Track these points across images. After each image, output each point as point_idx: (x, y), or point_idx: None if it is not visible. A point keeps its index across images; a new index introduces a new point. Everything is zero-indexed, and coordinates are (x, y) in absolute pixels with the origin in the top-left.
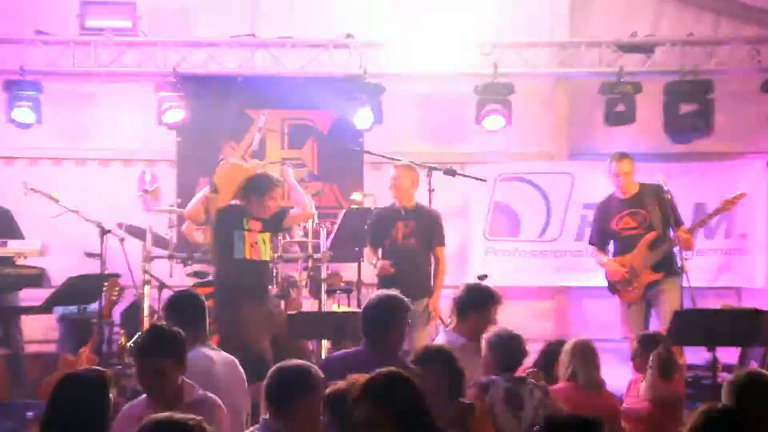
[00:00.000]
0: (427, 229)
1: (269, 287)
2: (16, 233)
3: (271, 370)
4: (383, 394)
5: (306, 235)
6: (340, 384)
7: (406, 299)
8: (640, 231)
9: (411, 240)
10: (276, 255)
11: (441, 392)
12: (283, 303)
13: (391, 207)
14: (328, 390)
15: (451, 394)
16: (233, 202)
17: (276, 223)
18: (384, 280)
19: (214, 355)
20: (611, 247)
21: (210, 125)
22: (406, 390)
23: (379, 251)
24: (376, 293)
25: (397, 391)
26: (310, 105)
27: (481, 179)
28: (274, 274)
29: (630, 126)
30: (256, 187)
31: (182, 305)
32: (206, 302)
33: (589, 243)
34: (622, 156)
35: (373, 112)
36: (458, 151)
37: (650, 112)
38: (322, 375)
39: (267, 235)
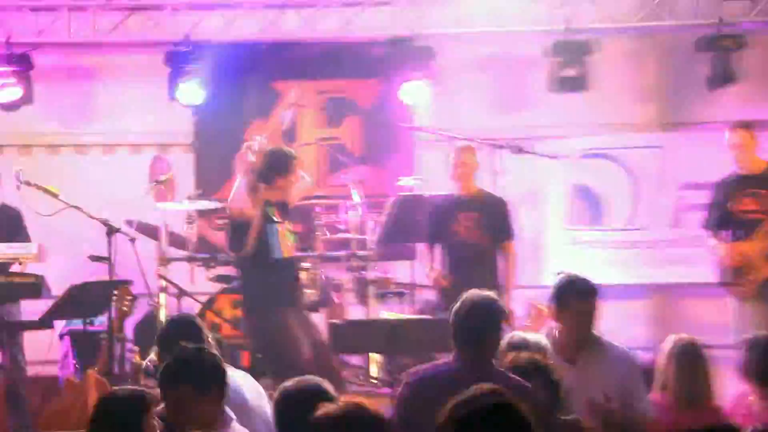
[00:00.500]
0: (493, 220)
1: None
2: (24, 238)
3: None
4: (487, 426)
5: (349, 229)
6: (329, 408)
7: (501, 303)
8: (761, 215)
9: (475, 233)
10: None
11: (542, 408)
12: (323, 310)
13: (451, 195)
14: (317, 414)
15: (553, 409)
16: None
17: (287, 207)
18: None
19: (240, 380)
20: (729, 235)
21: (232, 102)
22: (515, 418)
23: (438, 250)
24: (468, 296)
25: (503, 419)
26: (349, 75)
27: (555, 157)
28: (314, 277)
29: (734, 88)
30: (280, 165)
31: (177, 336)
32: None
33: (703, 227)
34: (736, 125)
35: (425, 81)
36: (528, 124)
37: (760, 70)
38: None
39: (289, 225)
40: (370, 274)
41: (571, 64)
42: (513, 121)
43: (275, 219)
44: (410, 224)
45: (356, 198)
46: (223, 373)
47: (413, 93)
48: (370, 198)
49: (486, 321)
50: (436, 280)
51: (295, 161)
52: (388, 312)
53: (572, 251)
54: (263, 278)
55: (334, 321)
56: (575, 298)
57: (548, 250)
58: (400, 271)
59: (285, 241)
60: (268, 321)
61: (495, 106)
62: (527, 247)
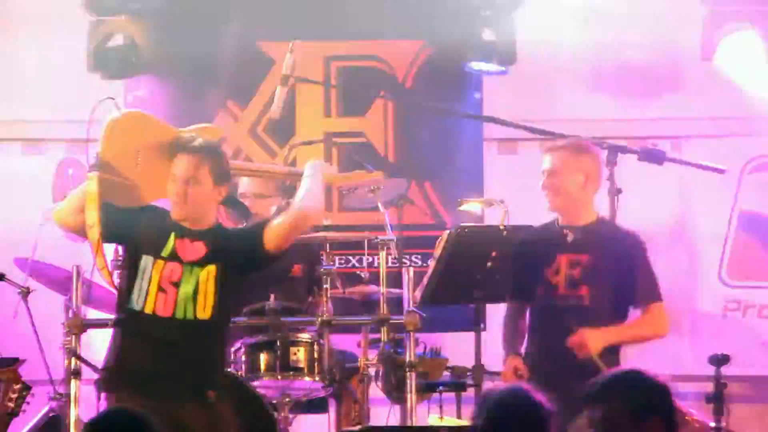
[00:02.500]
0: (614, 268)
1: (207, 371)
2: None
3: None
4: None
5: (373, 280)
6: None
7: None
8: None
9: (581, 290)
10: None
11: None
12: (332, 408)
13: (548, 227)
14: None
15: None
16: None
17: (241, 245)
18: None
19: None
20: None
21: (191, 72)
22: None
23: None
24: (498, 394)
25: None
26: (378, 32)
27: (714, 168)
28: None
29: None
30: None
31: None
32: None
33: None
34: None
35: (502, 45)
36: (665, 114)
37: None
38: None
39: (211, 271)
40: (410, 353)
41: (739, 18)
42: (640, 108)
43: (165, 251)
44: (474, 273)
45: (389, 231)
46: None
47: (484, 62)
48: (410, 230)
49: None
50: (508, 367)
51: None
52: (438, 415)
53: (737, 321)
54: (117, 341)
55: (349, 429)
56: None
57: (696, 320)
58: (456, 347)
59: (170, 289)
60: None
61: (610, 87)
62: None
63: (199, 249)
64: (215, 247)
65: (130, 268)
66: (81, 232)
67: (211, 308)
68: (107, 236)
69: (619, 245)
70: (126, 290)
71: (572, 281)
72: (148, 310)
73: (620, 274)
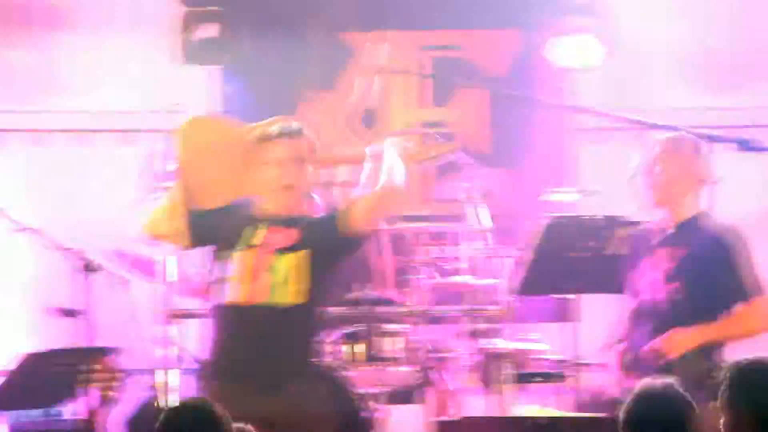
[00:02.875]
0: (711, 264)
1: (299, 359)
2: None
3: None
4: None
5: (469, 270)
6: None
7: (685, 397)
8: None
9: (676, 285)
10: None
11: None
12: (423, 399)
13: (652, 220)
14: None
15: None
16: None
17: (322, 229)
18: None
19: None
20: None
21: (280, 63)
22: None
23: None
24: (642, 388)
25: None
26: (471, 22)
27: None
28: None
29: None
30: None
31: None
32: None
33: None
34: None
35: (600, 34)
36: (761, 102)
37: None
38: None
39: (299, 257)
40: (502, 344)
41: None
42: (738, 96)
43: (248, 240)
44: (569, 264)
45: (481, 221)
46: None
47: (573, 53)
48: (503, 221)
49: (668, 425)
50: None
51: (270, 136)
52: (532, 405)
53: None
54: (213, 335)
55: (441, 419)
56: None
57: None
58: (553, 338)
59: (260, 276)
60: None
61: (708, 74)
62: None
63: (288, 236)
64: (304, 232)
65: (221, 263)
66: (171, 240)
67: (304, 293)
68: (196, 241)
69: (718, 240)
70: (219, 283)
71: (668, 276)
72: (243, 300)
73: (717, 270)
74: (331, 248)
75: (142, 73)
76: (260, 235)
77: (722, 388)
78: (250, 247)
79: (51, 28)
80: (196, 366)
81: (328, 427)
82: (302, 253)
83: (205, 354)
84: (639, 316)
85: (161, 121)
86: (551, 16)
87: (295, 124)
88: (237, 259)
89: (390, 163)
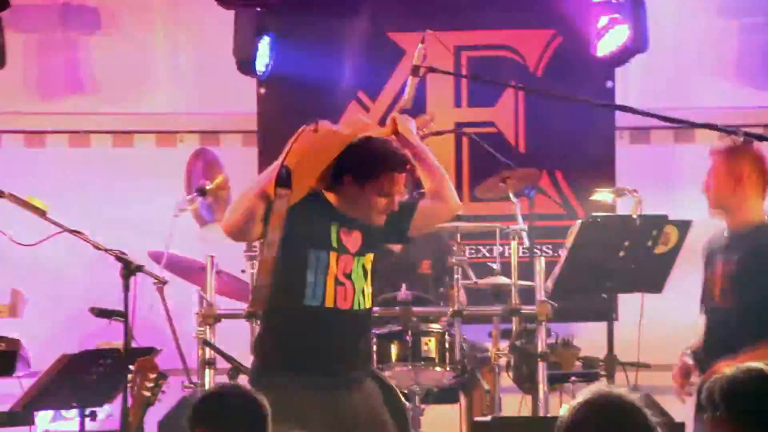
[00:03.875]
0: (760, 279)
1: (366, 359)
2: None
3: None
4: None
5: (504, 270)
6: None
7: (636, 403)
8: None
9: (730, 296)
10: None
11: None
12: (463, 398)
13: (721, 229)
14: None
15: None
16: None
17: (390, 230)
18: None
19: None
20: None
21: (321, 65)
22: None
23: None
24: (591, 397)
25: None
26: (508, 21)
27: None
28: (449, 345)
29: None
30: (362, 160)
31: (221, 414)
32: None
33: None
34: None
35: (634, 29)
36: None
37: None
38: None
39: (368, 259)
40: (541, 343)
41: None
42: None
43: (333, 244)
44: (606, 263)
45: (520, 222)
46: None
47: (612, 49)
48: (541, 219)
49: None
50: (679, 361)
51: (405, 164)
52: (567, 406)
53: None
54: (279, 335)
55: (479, 419)
56: None
57: None
58: (589, 338)
59: (347, 282)
60: (282, 406)
61: (747, 73)
62: None
63: (357, 238)
64: (369, 234)
65: (293, 263)
66: (252, 238)
67: (371, 296)
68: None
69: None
70: (294, 285)
71: (723, 287)
72: (329, 304)
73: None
74: (388, 242)
75: (180, 75)
76: (335, 237)
77: (714, 401)
78: (332, 249)
79: (90, 31)
80: (231, 367)
81: (391, 421)
82: (370, 256)
83: (266, 352)
84: (711, 323)
85: (199, 122)
86: (588, 14)
87: (399, 157)
88: (318, 261)
89: (419, 149)
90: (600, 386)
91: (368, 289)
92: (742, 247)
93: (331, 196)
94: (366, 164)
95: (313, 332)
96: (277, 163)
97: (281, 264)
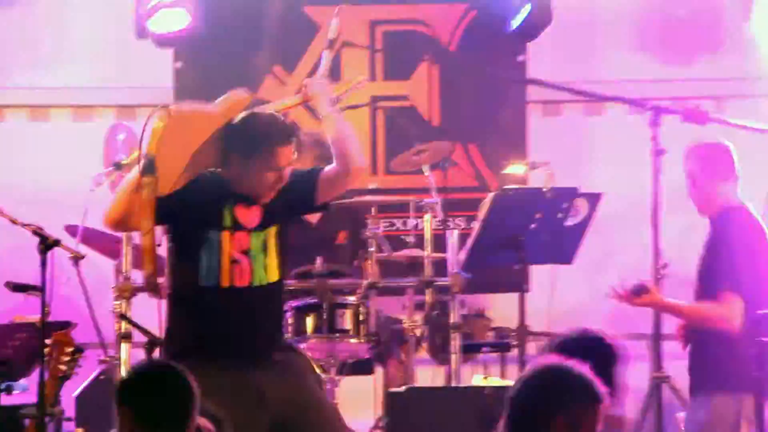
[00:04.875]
0: (704, 256)
1: (276, 333)
2: None
3: None
4: None
5: (418, 243)
6: None
7: (584, 374)
8: None
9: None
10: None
11: None
12: (378, 370)
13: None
14: None
15: None
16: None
17: (294, 202)
18: None
19: None
20: None
21: (237, 39)
22: None
23: None
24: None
25: None
26: None
27: (759, 129)
28: (364, 318)
29: None
30: (244, 137)
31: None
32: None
33: None
34: None
35: (538, 4)
36: (710, 75)
37: None
38: None
39: (271, 233)
40: (454, 315)
41: None
42: (687, 67)
43: (225, 223)
44: (518, 235)
45: (434, 194)
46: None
47: (526, 22)
48: (455, 191)
49: (550, 400)
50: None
51: (292, 137)
52: (482, 375)
53: None
54: (181, 319)
55: (394, 390)
56: None
57: None
58: (501, 309)
59: (244, 259)
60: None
61: (656, 47)
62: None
63: (255, 214)
64: (270, 208)
65: (187, 244)
66: (134, 228)
67: (277, 269)
68: (159, 222)
69: (713, 233)
70: (189, 267)
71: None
72: (225, 284)
73: (707, 255)
74: (294, 218)
75: (96, 49)
76: (230, 215)
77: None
78: (224, 228)
79: (6, 3)
80: (147, 340)
81: (311, 393)
82: (272, 230)
83: (173, 335)
84: None
85: (115, 96)
86: None
87: (291, 127)
88: (212, 242)
89: (330, 115)
90: (546, 358)
91: (273, 262)
92: (707, 234)
93: (225, 175)
94: (249, 141)
95: (212, 313)
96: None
97: (175, 248)
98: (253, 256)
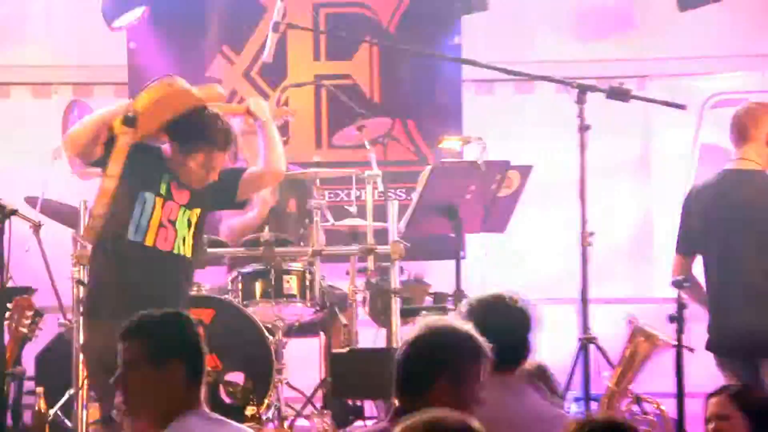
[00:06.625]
0: None
1: (186, 303)
2: None
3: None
4: None
5: (360, 213)
6: None
7: (471, 336)
8: None
9: None
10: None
11: None
12: (323, 333)
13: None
14: None
15: None
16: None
17: (217, 195)
18: None
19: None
20: None
21: (187, 20)
22: None
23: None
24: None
25: None
26: None
27: (677, 105)
28: (309, 283)
29: None
30: (187, 132)
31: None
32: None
33: None
34: None
35: None
36: (632, 56)
37: None
38: None
39: (195, 214)
40: (394, 280)
41: None
42: (609, 50)
43: (161, 190)
44: (454, 206)
45: (375, 167)
46: (193, 344)
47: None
48: (394, 165)
49: (434, 361)
50: None
51: (224, 147)
52: None
53: None
54: (106, 268)
55: (337, 350)
56: None
57: (660, 247)
58: (437, 275)
59: (169, 226)
60: (95, 331)
61: (581, 29)
62: (630, 238)
63: (185, 194)
64: (198, 193)
65: (124, 198)
66: (89, 158)
67: (191, 248)
68: (101, 162)
69: None
70: (120, 221)
71: None
72: (148, 243)
73: None
74: (215, 208)
75: (54, 28)
76: (165, 186)
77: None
78: (159, 195)
79: None
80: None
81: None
82: (197, 211)
83: (96, 289)
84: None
85: (72, 75)
86: None
87: (231, 135)
88: (145, 203)
89: (265, 126)
90: (430, 319)
91: (190, 240)
92: None
93: (165, 153)
94: (188, 135)
95: (134, 266)
96: (129, 102)
97: (114, 198)
98: (177, 228)
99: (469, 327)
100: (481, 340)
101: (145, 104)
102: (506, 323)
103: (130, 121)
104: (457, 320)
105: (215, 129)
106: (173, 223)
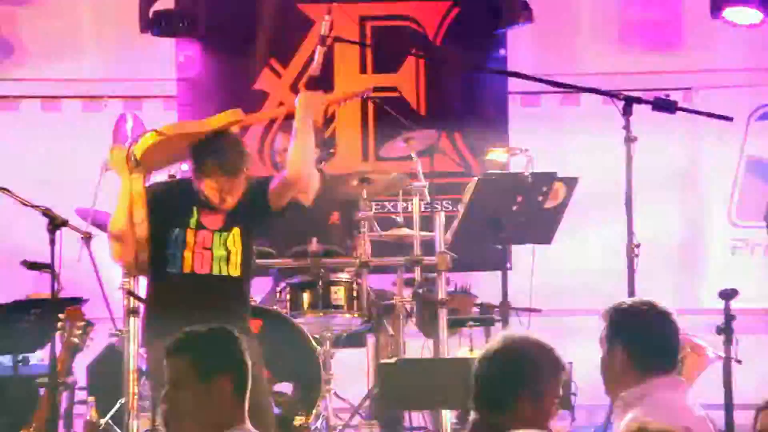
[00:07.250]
0: None
1: (237, 319)
2: None
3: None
4: None
5: (407, 224)
6: None
7: (550, 349)
8: None
9: None
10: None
11: None
12: (369, 344)
13: None
14: None
15: None
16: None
17: (250, 210)
18: None
19: None
20: None
21: (236, 33)
22: None
23: None
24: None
25: None
26: None
27: (724, 117)
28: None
29: None
30: (196, 158)
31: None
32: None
33: None
34: None
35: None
36: (678, 68)
37: None
38: None
39: (234, 234)
40: (441, 291)
41: None
42: (653, 62)
43: (190, 223)
44: (500, 217)
45: (422, 179)
46: (238, 359)
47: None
48: (441, 176)
49: (514, 375)
50: None
51: (219, 170)
52: (467, 348)
53: (742, 259)
54: (153, 298)
55: (384, 361)
56: None
57: (707, 257)
58: (485, 286)
59: (205, 253)
60: (151, 359)
61: (628, 41)
62: (674, 250)
63: (218, 218)
64: (232, 213)
65: (160, 238)
66: (143, 264)
67: (239, 266)
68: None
69: None
70: (159, 257)
71: None
72: (186, 270)
73: None
74: (257, 224)
75: (105, 42)
76: (195, 218)
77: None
78: (189, 227)
79: (19, 2)
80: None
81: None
82: (236, 230)
83: (149, 314)
84: None
85: (124, 88)
86: None
87: (244, 159)
88: (176, 237)
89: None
90: (508, 332)
91: (236, 259)
92: None
93: (193, 181)
94: (198, 161)
95: (176, 294)
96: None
97: (152, 240)
98: (213, 250)
99: (545, 339)
100: (557, 352)
101: (143, 151)
102: (667, 327)
103: (136, 164)
104: (533, 333)
105: (224, 153)
106: (208, 249)
